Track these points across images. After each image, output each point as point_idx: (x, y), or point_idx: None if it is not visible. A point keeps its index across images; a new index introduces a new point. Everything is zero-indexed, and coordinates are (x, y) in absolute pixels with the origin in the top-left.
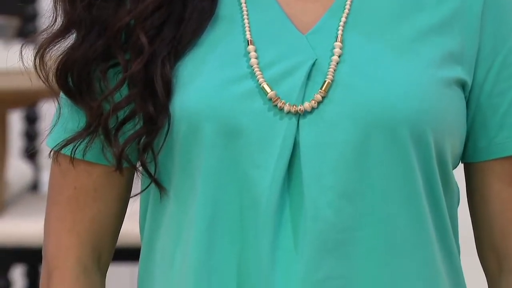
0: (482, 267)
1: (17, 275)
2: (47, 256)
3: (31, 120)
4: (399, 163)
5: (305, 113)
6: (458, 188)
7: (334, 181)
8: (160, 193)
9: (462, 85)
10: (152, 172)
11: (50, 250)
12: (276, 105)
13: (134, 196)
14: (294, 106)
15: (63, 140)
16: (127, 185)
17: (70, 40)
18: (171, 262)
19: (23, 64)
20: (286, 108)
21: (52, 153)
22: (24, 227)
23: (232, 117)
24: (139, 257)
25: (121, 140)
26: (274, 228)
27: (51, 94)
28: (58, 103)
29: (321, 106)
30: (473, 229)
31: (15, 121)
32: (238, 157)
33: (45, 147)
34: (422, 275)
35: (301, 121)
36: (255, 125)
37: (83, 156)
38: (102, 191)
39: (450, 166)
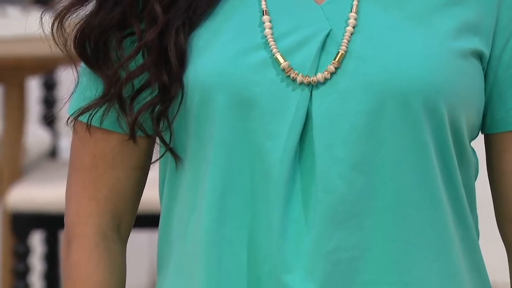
0: (502, 239)
1: (36, 241)
2: (68, 223)
3: (49, 86)
4: (411, 135)
5: (318, 84)
6: (476, 159)
7: (346, 152)
8: (176, 162)
9: (480, 56)
10: (167, 141)
11: (70, 217)
12: (289, 76)
13: (152, 163)
14: (307, 77)
15: (81, 108)
16: (146, 153)
17: (89, 7)
18: (185, 231)
19: (42, 31)
20: (299, 79)
21: (70, 121)
22: (42, 193)
23: (245, 88)
24: (157, 223)
25: (136, 109)
26: (285, 199)
27: (69, 60)
28: (77, 70)
29: (334, 77)
30: (492, 200)
31: (33, 87)
32: (250, 128)
33: (63, 113)
34: (434, 246)
35: (314, 92)
36: (268, 96)
37: (100, 124)
38: (120, 159)
39: (466, 138)
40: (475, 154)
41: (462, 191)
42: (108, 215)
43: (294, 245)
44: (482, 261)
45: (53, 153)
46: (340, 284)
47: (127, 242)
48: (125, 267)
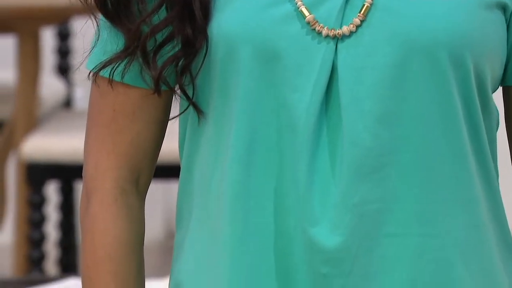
0: None
1: (51, 191)
2: (86, 177)
3: (64, 36)
4: (437, 87)
5: (343, 37)
6: (497, 111)
7: (372, 106)
8: (198, 117)
9: (503, 8)
10: (190, 95)
11: (89, 171)
12: (314, 29)
13: (173, 118)
14: (333, 30)
15: (102, 62)
16: (166, 107)
17: None
18: (208, 186)
19: None
20: (324, 32)
21: (91, 75)
22: (57, 143)
23: (270, 41)
24: (172, 174)
25: (159, 63)
26: (312, 151)
27: (84, 10)
28: (93, 20)
29: (359, 30)
30: (510, 152)
31: (48, 37)
32: (276, 81)
33: (78, 63)
34: (459, 199)
35: (339, 45)
36: (293, 49)
37: (121, 78)
38: (140, 114)
39: (490, 90)
40: (496, 107)
41: (487, 143)
42: (126, 169)
43: (320, 197)
44: (504, 212)
45: (68, 103)
46: (366, 236)
47: (145, 197)
48: (144, 221)
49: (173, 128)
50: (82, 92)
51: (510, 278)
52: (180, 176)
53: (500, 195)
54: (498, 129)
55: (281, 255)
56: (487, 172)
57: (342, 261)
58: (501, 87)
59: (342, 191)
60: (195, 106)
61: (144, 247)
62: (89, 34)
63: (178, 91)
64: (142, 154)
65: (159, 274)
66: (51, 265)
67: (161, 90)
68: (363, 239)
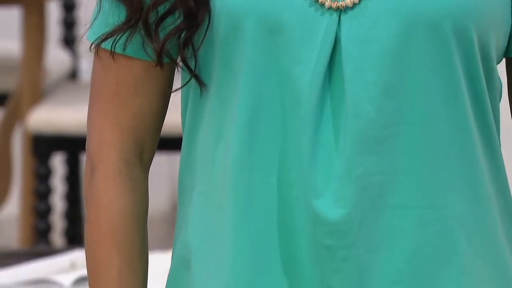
0: None
1: (57, 162)
2: (90, 151)
3: (69, 8)
4: (441, 59)
5: (347, 8)
6: (501, 83)
7: (376, 77)
8: (200, 89)
9: None
10: (193, 68)
11: (92, 145)
12: (317, 1)
13: (175, 91)
14: (336, 2)
15: (103, 34)
16: (168, 80)
17: None
18: (211, 159)
19: None
20: (328, 3)
21: (93, 47)
22: (63, 115)
23: (273, 13)
24: (177, 146)
25: (161, 35)
26: (315, 124)
27: None
28: None
29: (362, 1)
30: None
31: (53, 9)
32: (279, 53)
33: (84, 35)
34: (463, 171)
35: (342, 16)
36: (296, 21)
37: (123, 51)
38: (143, 86)
39: (494, 62)
40: (500, 78)
41: (491, 115)
42: (130, 142)
43: (324, 170)
44: (507, 184)
45: (73, 75)
46: (369, 208)
47: (149, 169)
48: (148, 194)
49: (177, 100)
50: (88, 64)
51: None
52: (181, 149)
53: (504, 167)
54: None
55: (285, 227)
56: (491, 144)
57: (345, 233)
58: (505, 59)
59: (345, 163)
60: (197, 78)
61: (149, 219)
62: (94, 5)
63: (181, 64)
64: (145, 127)
65: (163, 246)
66: (57, 237)
67: (164, 63)
68: (366, 211)
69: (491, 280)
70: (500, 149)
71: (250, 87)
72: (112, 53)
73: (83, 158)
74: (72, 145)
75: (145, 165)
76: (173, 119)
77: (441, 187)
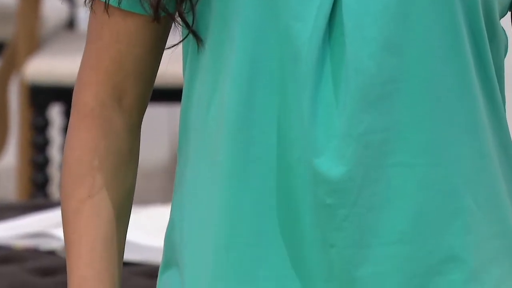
0: None
1: (55, 113)
2: (73, 95)
3: None
4: (443, 15)
5: None
6: (506, 37)
7: (377, 32)
8: (198, 45)
9: None
10: (190, 23)
11: (74, 88)
12: None
13: (173, 46)
14: None
15: None
16: (161, 34)
17: None
18: (205, 115)
19: None
20: None
21: (88, 1)
22: (61, 65)
23: None
24: (177, 98)
25: None
26: (315, 80)
27: None
28: None
29: None
30: None
31: None
32: (278, 9)
33: None
34: (465, 128)
35: None
36: None
37: (118, 4)
38: (136, 39)
39: (497, 16)
40: (505, 32)
41: (493, 71)
42: (107, 85)
43: (324, 127)
44: (509, 139)
45: (71, 24)
46: (371, 166)
47: (138, 120)
48: (127, 139)
49: (178, 51)
50: (86, 13)
51: None
52: (181, 104)
53: (506, 123)
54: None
55: (284, 186)
56: (494, 100)
57: (346, 192)
58: (510, 12)
59: (346, 120)
60: (194, 34)
61: (148, 171)
62: None
63: (178, 19)
64: (125, 73)
65: (163, 198)
66: (55, 189)
67: (160, 17)
68: (368, 169)
69: (495, 237)
70: (503, 106)
71: (248, 42)
72: (107, 6)
73: None
74: (70, 96)
75: (125, 111)
76: (172, 71)
77: (445, 144)
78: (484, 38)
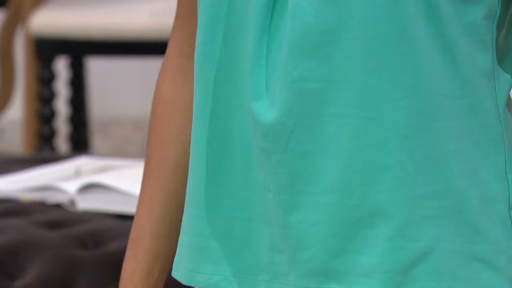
0: None
1: (61, 66)
2: None
3: None
4: None
5: None
6: None
7: None
8: None
9: None
10: None
11: None
12: None
13: None
14: None
15: None
16: None
17: None
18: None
19: None
20: None
21: None
22: (67, 17)
23: None
24: None
25: None
26: (262, 25)
27: None
28: None
29: None
30: None
31: None
32: None
33: None
34: (403, 84)
35: None
36: None
37: None
38: None
39: None
40: None
41: (452, 27)
42: (186, 31)
43: (265, 73)
44: (489, 102)
45: None
46: (305, 114)
47: None
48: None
49: None
50: None
51: (489, 171)
52: None
53: (486, 86)
54: None
55: (239, 128)
56: (455, 61)
57: (278, 137)
58: None
59: (282, 67)
60: None
61: None
62: None
63: None
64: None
65: None
66: (61, 142)
67: None
68: (301, 117)
69: (433, 197)
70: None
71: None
72: None
73: (87, 62)
74: (76, 49)
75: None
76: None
77: (379, 98)
78: None
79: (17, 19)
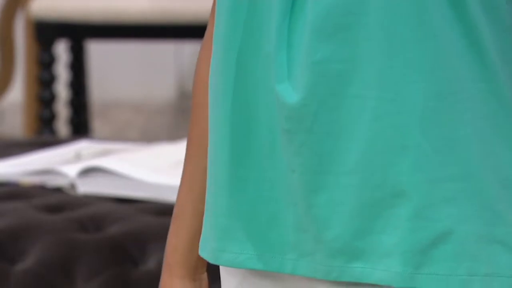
0: None
1: (61, 50)
2: None
3: None
4: None
5: None
6: None
7: None
8: None
9: None
10: None
11: None
12: None
13: None
14: None
15: None
16: None
17: None
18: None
19: None
20: None
21: None
22: (67, 0)
23: None
24: (184, 34)
25: None
26: (285, 9)
27: None
28: None
29: None
30: None
31: None
32: None
33: None
34: (420, 67)
35: None
36: None
37: None
38: None
39: None
40: None
41: (475, 11)
42: None
43: (288, 55)
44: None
45: None
46: (327, 95)
47: None
48: None
49: None
50: None
51: (508, 154)
52: None
53: (491, 59)
54: None
55: (265, 110)
56: (478, 46)
57: (302, 118)
58: None
59: (304, 50)
60: None
61: (156, 108)
62: None
63: None
64: None
65: (170, 136)
66: (62, 125)
67: None
68: (324, 98)
69: (452, 179)
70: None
71: None
72: None
73: (88, 45)
74: (76, 32)
75: None
76: (181, 7)
77: (397, 80)
78: None
79: (17, 2)
